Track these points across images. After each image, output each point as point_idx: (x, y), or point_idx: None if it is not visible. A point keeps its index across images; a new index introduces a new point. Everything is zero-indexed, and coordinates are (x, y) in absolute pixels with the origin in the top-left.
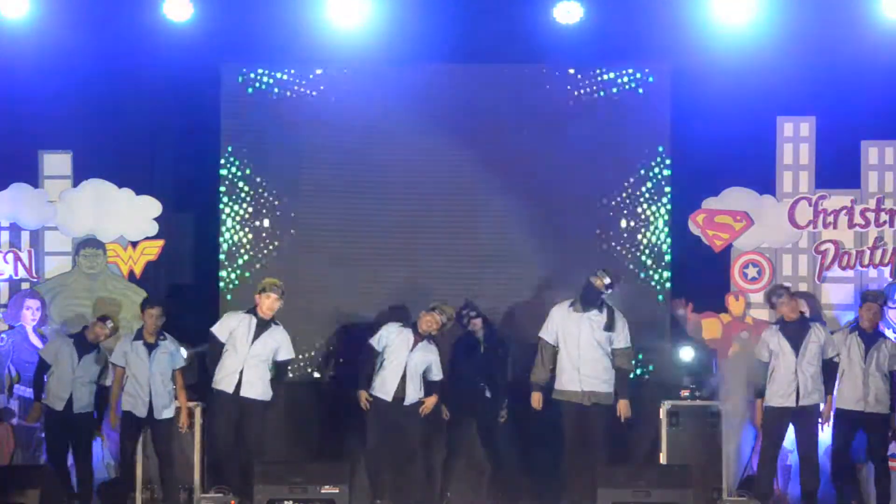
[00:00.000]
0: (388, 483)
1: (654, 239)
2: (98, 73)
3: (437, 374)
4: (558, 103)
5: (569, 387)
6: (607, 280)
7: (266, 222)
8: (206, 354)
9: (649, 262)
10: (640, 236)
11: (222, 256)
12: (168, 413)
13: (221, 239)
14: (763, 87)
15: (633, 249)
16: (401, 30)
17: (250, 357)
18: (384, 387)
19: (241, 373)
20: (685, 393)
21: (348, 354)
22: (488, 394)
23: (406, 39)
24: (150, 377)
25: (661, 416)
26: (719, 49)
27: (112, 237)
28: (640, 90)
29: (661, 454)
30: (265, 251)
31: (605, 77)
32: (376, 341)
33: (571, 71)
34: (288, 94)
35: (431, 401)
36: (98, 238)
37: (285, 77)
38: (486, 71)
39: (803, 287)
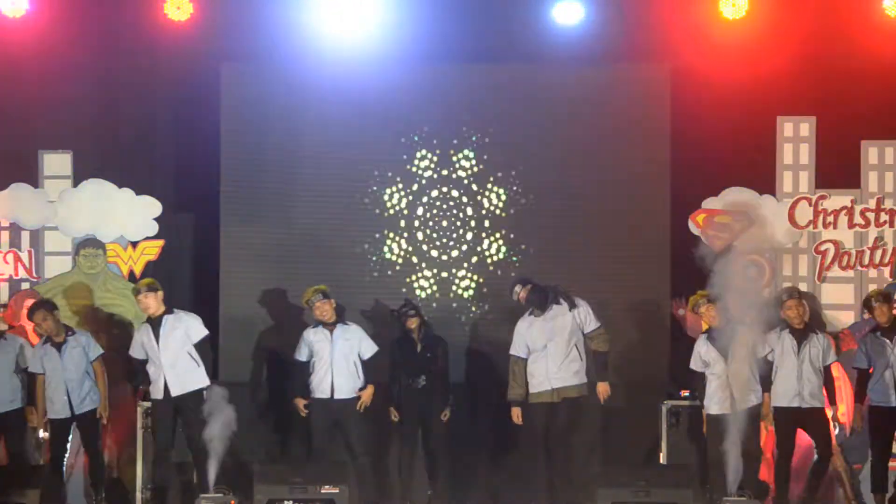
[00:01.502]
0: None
1: (654, 239)
2: (98, 73)
3: (368, 350)
4: (557, 103)
5: (540, 388)
6: (518, 288)
7: (266, 222)
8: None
9: (649, 262)
10: (639, 236)
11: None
12: (88, 405)
13: (221, 238)
14: (763, 87)
15: (633, 250)
16: (401, 30)
17: (163, 357)
18: (320, 386)
19: (164, 376)
20: (685, 393)
21: None
22: (422, 384)
23: (406, 39)
24: (65, 375)
25: (661, 416)
26: (719, 49)
27: (112, 237)
28: (640, 90)
29: (661, 454)
30: (265, 250)
31: (605, 77)
32: (299, 353)
33: (571, 71)
34: (288, 93)
35: (367, 394)
36: (98, 238)
37: (285, 77)
38: (485, 71)
39: (803, 287)
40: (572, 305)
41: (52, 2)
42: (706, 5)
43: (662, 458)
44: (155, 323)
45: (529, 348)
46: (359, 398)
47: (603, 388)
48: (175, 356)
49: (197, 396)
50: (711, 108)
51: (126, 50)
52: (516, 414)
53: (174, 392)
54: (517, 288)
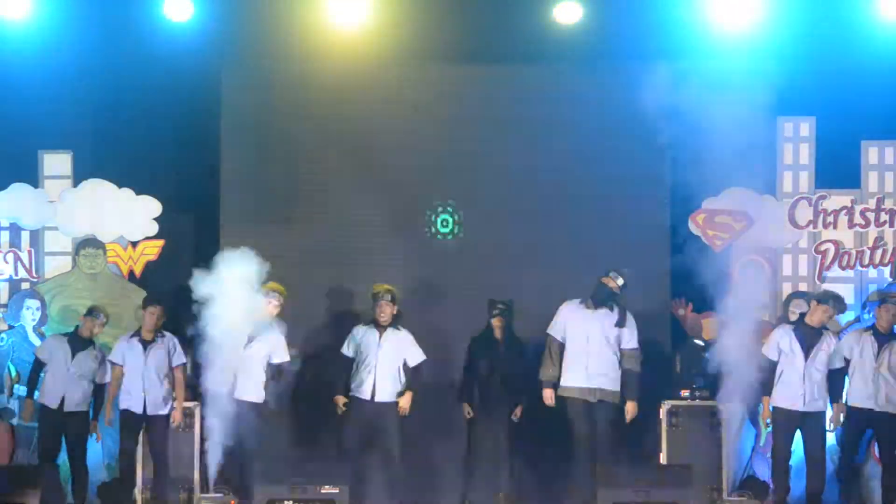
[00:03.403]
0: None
1: (654, 239)
2: (98, 74)
3: (415, 357)
4: (557, 103)
5: (575, 383)
6: (620, 281)
7: (266, 222)
8: None
9: (649, 262)
10: (639, 236)
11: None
12: (163, 410)
13: (221, 238)
14: (763, 87)
15: (633, 249)
16: (401, 30)
17: (245, 360)
18: (361, 387)
19: (236, 376)
20: (685, 393)
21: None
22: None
23: (406, 39)
24: (145, 373)
25: (661, 416)
26: (720, 49)
27: (112, 237)
28: (640, 90)
29: (661, 454)
30: (265, 251)
31: (605, 77)
32: (346, 348)
33: (571, 71)
34: (288, 93)
35: (406, 399)
36: (98, 238)
37: (286, 77)
38: (485, 71)
39: (803, 287)
40: (622, 321)
41: (53, 2)
42: (707, 5)
43: (662, 458)
44: (255, 328)
45: (567, 334)
46: (397, 403)
47: (632, 407)
48: (254, 365)
49: (252, 406)
50: (711, 108)
51: (126, 50)
52: (549, 395)
53: (238, 394)
54: (614, 276)
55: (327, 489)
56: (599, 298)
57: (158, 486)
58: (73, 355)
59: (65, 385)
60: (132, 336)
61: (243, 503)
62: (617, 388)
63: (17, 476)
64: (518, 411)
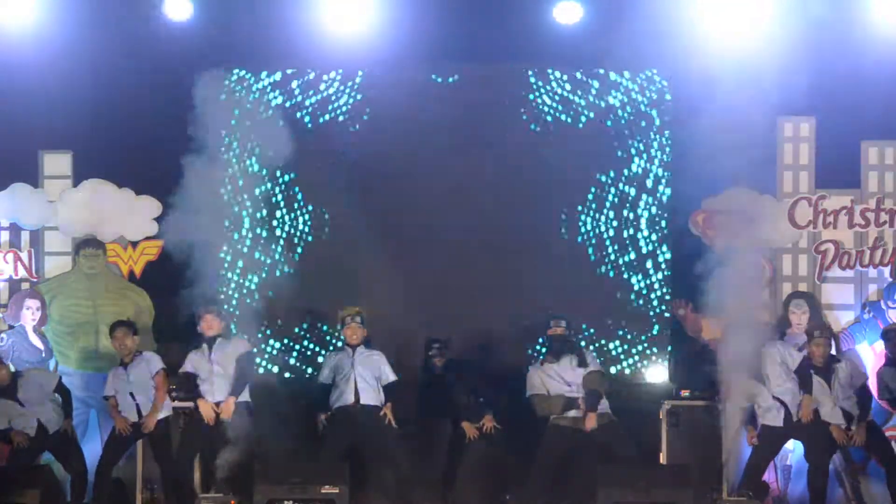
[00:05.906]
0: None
1: (653, 239)
2: (98, 74)
3: (390, 376)
4: (557, 103)
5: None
6: (563, 324)
7: (266, 223)
8: None
9: (648, 262)
10: (639, 236)
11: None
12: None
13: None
14: (763, 87)
15: (633, 250)
16: (400, 30)
17: (215, 362)
18: (343, 396)
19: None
20: (685, 393)
21: None
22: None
23: (406, 40)
24: (129, 388)
25: (661, 416)
26: (720, 48)
27: (112, 237)
28: (641, 90)
29: (661, 454)
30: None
31: (605, 77)
32: (322, 376)
33: (571, 71)
34: (288, 94)
35: (389, 408)
36: (98, 238)
37: (286, 77)
38: (484, 71)
39: (803, 287)
40: (583, 362)
41: (53, 2)
42: (707, 5)
43: (662, 458)
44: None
45: (547, 391)
46: (380, 408)
47: (591, 420)
48: (227, 365)
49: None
50: (711, 108)
51: (126, 50)
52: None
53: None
54: (554, 324)
55: (327, 489)
56: (557, 350)
57: (167, 494)
58: (19, 389)
59: (39, 413)
60: (118, 366)
61: (243, 503)
62: (607, 409)
63: (17, 476)
64: (488, 421)
